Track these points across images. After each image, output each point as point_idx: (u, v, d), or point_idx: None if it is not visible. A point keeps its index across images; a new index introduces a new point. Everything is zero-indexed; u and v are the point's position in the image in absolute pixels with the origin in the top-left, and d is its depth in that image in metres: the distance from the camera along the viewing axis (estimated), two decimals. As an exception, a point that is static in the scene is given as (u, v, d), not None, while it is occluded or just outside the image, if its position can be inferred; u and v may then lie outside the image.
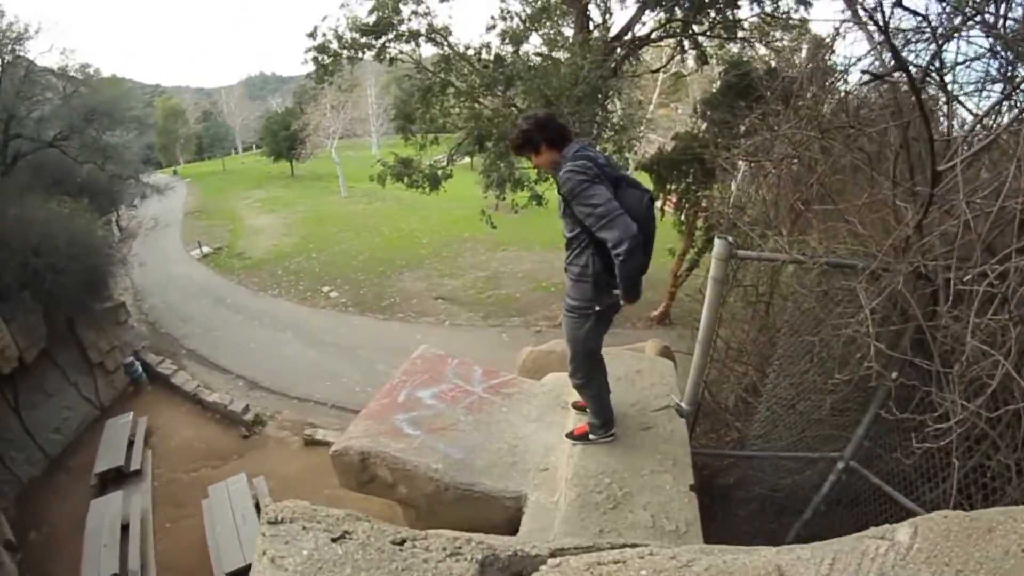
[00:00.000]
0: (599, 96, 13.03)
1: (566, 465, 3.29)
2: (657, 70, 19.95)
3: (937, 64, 2.90)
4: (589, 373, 3.24)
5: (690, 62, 17.72)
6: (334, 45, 14.42)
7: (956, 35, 2.82)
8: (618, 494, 2.94)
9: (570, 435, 3.44)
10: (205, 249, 25.47)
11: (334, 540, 1.28)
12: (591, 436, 3.35)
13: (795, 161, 4.25)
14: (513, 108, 13.53)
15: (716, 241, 3.32)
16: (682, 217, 15.92)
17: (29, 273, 10.89)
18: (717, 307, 3.52)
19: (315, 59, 14.69)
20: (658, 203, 18.46)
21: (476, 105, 14.11)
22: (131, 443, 11.38)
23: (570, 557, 1.11)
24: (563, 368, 5.29)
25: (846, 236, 3.31)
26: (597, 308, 2.95)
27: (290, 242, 26.28)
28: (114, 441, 11.29)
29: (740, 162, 5.26)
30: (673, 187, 15.67)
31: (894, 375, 3.14)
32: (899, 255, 2.91)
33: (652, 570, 1.02)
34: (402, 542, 1.26)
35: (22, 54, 15.99)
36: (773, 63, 12.69)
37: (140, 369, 14.45)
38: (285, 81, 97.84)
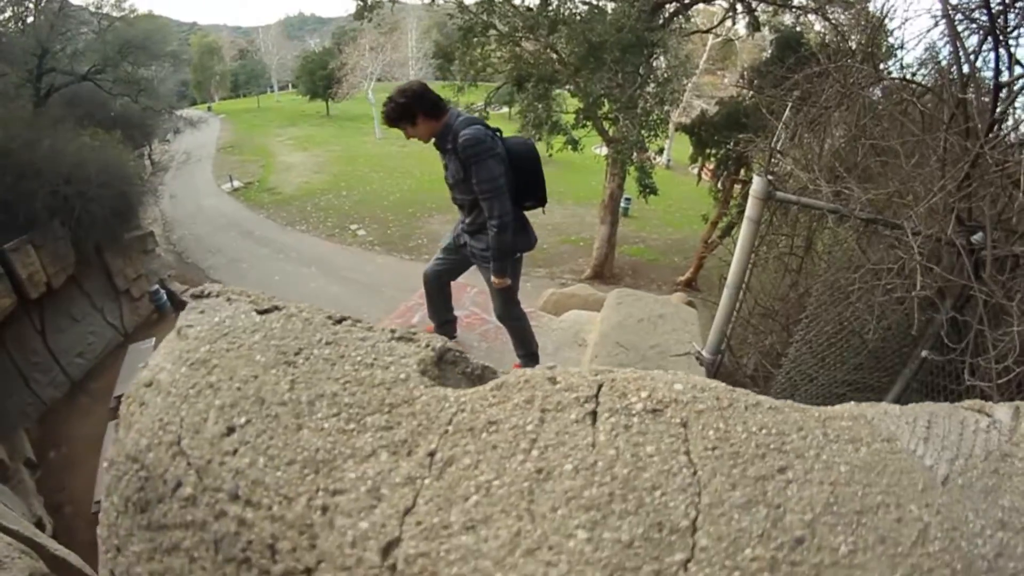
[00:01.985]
0: (645, 49, 12.62)
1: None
2: (708, 31, 19.24)
3: None
4: (515, 312, 3.52)
5: (741, 28, 17.07)
6: (376, -20, 14.14)
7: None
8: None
9: None
10: (236, 183, 25.55)
11: (259, 312, 1.13)
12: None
13: (844, 109, 4.03)
14: (553, 53, 13.20)
15: (755, 179, 3.15)
16: (719, 184, 15.54)
17: (59, 201, 10.88)
18: (750, 249, 3.35)
19: (356, -8, 14.41)
20: (694, 168, 18.23)
21: (517, 48, 13.79)
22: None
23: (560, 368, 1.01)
24: (585, 309, 5.24)
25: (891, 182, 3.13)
26: (517, 255, 3.27)
27: (321, 180, 26.20)
28: (135, 365, 11.25)
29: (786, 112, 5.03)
30: (712, 152, 15.29)
31: (924, 353, 3.01)
32: (945, 209, 2.73)
33: (694, 391, 0.92)
34: (341, 320, 1.09)
35: None
36: (827, 38, 12.10)
37: (165, 297, 14.52)
38: (324, 22, 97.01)
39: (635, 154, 13.39)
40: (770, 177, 3.26)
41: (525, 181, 3.12)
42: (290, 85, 57.75)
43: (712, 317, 3.71)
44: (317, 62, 41.25)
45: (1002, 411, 0.93)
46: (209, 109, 47.33)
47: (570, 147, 14.10)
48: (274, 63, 58.62)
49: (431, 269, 3.60)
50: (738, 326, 4.11)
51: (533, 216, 3.30)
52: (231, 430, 0.87)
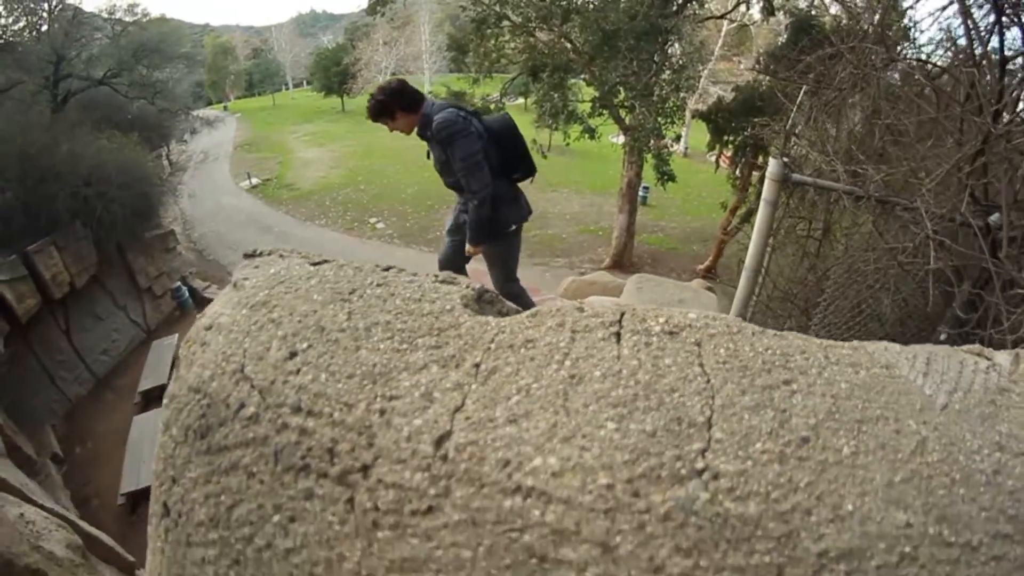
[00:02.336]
0: (659, 36, 12.61)
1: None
2: (722, 16, 19.11)
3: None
4: (512, 289, 3.69)
5: (756, 13, 16.93)
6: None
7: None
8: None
9: None
10: (254, 180, 25.77)
11: (311, 264, 1.23)
12: None
13: (859, 91, 4.04)
14: (568, 43, 13.23)
15: (771, 161, 3.20)
16: (737, 171, 15.48)
17: (80, 202, 11.10)
18: (767, 232, 3.37)
19: (367, -13, 14.55)
20: (712, 156, 18.14)
21: (531, 39, 13.85)
22: (175, 363, 11.66)
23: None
24: (606, 296, 5.32)
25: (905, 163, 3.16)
26: (512, 228, 3.50)
27: (339, 174, 26.37)
28: (159, 361, 11.57)
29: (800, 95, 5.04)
30: (730, 139, 15.24)
31: (943, 336, 3.03)
32: (959, 187, 2.75)
33: (706, 320, 1.01)
34: (388, 268, 1.21)
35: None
36: (843, 21, 11.98)
37: (187, 294, 14.67)
38: (337, 18, 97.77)
39: (652, 142, 13.38)
40: (786, 159, 3.30)
41: (508, 156, 3.33)
42: (305, 82, 58.22)
43: (731, 302, 3.76)
44: (331, 58, 41.50)
45: (1002, 356, 0.99)
46: (225, 108, 47.56)
47: (587, 136, 14.16)
48: (288, 61, 59.14)
49: (443, 255, 3.76)
50: (757, 310, 4.14)
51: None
52: (293, 354, 0.97)
